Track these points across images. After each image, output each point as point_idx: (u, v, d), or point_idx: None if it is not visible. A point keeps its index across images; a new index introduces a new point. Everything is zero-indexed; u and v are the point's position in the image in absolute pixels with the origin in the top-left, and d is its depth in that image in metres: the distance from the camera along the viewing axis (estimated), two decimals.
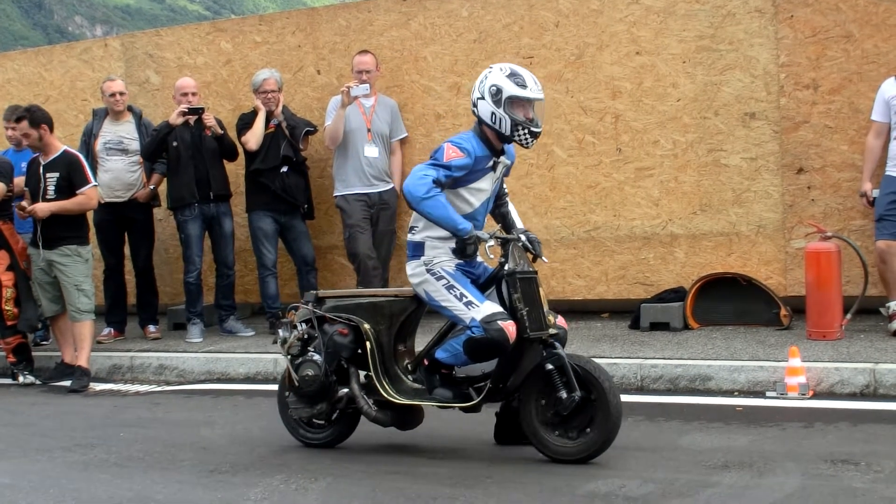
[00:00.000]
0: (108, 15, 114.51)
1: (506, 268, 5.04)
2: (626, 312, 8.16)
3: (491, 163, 5.17)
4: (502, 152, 5.21)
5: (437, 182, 4.97)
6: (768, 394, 6.21)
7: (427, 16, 8.74)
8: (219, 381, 7.77)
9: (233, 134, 8.78)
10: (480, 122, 5.13)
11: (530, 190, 8.38)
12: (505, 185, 5.48)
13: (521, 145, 5.13)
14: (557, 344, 5.01)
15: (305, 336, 5.41)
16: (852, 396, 6.12)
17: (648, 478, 4.69)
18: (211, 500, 4.74)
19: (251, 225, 8.73)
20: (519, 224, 5.46)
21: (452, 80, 8.67)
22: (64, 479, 5.23)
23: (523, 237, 5.22)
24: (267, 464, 5.29)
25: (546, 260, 5.34)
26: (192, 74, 9.45)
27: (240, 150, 8.75)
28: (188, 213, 8.58)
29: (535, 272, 5.14)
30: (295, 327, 5.44)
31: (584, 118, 8.22)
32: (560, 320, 5.22)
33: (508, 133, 5.06)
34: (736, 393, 6.33)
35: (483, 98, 5.08)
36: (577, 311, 8.38)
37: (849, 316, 7.03)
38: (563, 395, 4.90)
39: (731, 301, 7.69)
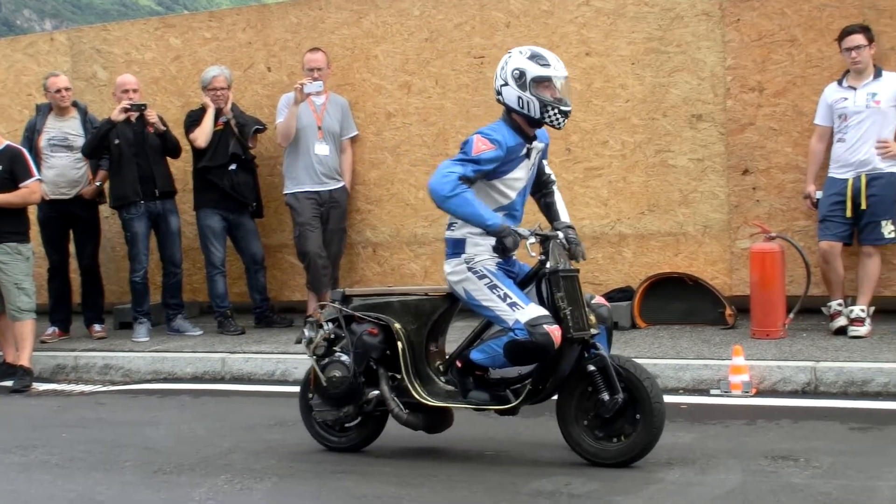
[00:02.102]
0: (57, 9, 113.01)
1: (547, 266, 4.85)
2: None
3: (524, 150, 4.96)
4: (534, 137, 5.00)
5: (463, 178, 4.77)
6: (712, 392, 6.28)
7: (378, 14, 8.73)
8: (165, 380, 7.71)
9: (180, 131, 8.71)
10: (508, 109, 4.93)
11: None
12: (549, 170, 5.31)
13: (553, 126, 4.95)
14: (600, 344, 4.86)
15: (332, 336, 5.20)
16: (794, 394, 6.21)
17: (593, 475, 4.72)
18: (154, 501, 4.70)
19: (199, 223, 8.66)
20: (564, 216, 5.26)
21: (403, 78, 8.67)
22: (3, 480, 5.16)
23: (561, 234, 5.01)
24: (212, 464, 5.25)
25: (583, 259, 5.10)
26: (140, 70, 9.36)
27: (187, 147, 8.69)
28: (133, 211, 8.50)
29: (577, 270, 4.96)
30: (321, 326, 5.23)
31: None
32: (598, 298, 5.11)
33: (538, 116, 4.87)
34: (681, 391, 6.39)
35: (507, 84, 4.89)
36: None
37: (792, 315, 7.14)
38: (606, 396, 4.74)
39: (677, 300, 7.77)
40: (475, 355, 4.96)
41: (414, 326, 5.13)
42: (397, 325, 5.10)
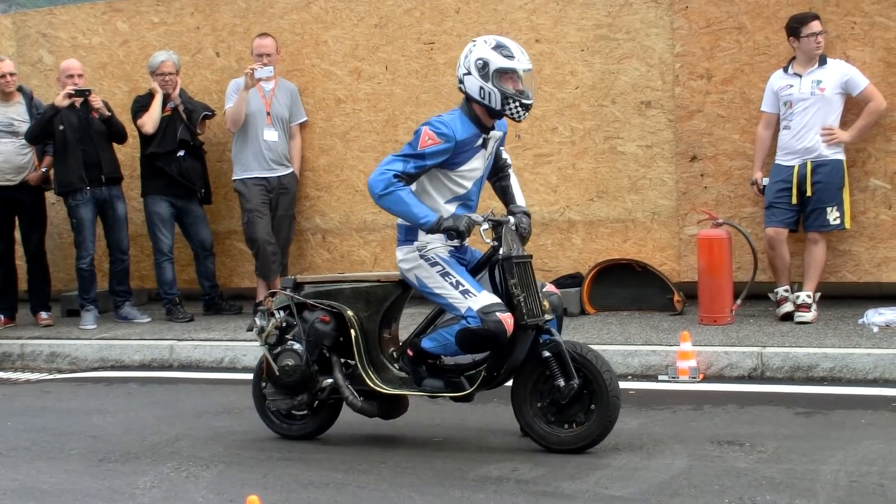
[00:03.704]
0: None
1: (500, 252, 4.82)
2: None
3: (480, 140, 4.90)
4: (492, 128, 4.94)
5: (402, 175, 4.72)
6: (660, 378, 6.34)
7: None
8: (112, 368, 7.62)
9: (128, 116, 8.60)
10: (469, 98, 4.86)
11: None
12: (506, 155, 5.28)
13: (513, 119, 4.89)
14: (554, 330, 4.85)
15: (283, 324, 5.15)
16: (740, 379, 6.28)
17: (540, 461, 4.75)
18: (99, 489, 4.65)
19: (147, 209, 8.57)
20: (519, 200, 5.21)
21: (353, 64, 8.62)
22: None
23: (513, 219, 4.96)
24: (158, 452, 5.21)
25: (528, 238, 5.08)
26: (87, 55, 9.23)
27: (134, 133, 8.58)
28: (79, 198, 8.38)
29: (530, 256, 4.94)
30: (272, 315, 5.17)
31: None
32: (549, 287, 5.12)
33: (499, 108, 4.80)
34: (630, 377, 6.43)
35: (469, 73, 4.83)
36: None
37: (739, 301, 7.21)
38: (561, 382, 4.74)
39: (626, 287, 7.82)
40: (427, 343, 4.93)
41: (366, 313, 5.10)
42: (350, 313, 5.07)
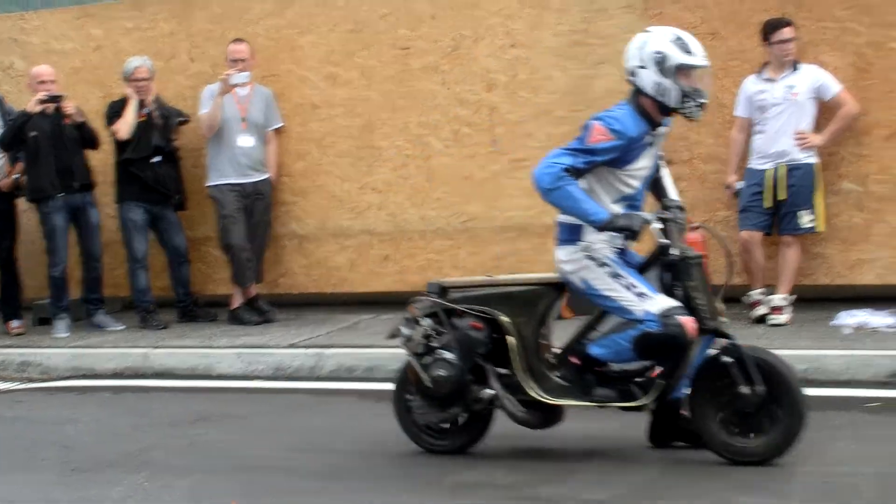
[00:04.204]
0: None
1: (673, 252, 4.53)
2: None
3: (650, 138, 4.66)
4: (660, 124, 4.68)
5: (570, 170, 4.45)
6: None
7: (303, 5, 8.64)
8: (85, 377, 7.54)
9: (102, 122, 8.54)
10: (639, 92, 4.59)
11: (406, 181, 8.36)
12: (660, 150, 4.92)
13: (688, 118, 4.65)
14: (732, 334, 4.58)
15: (432, 332, 4.80)
16: None
17: (516, 466, 4.75)
18: (71, 500, 4.61)
19: (121, 216, 8.51)
20: (672, 193, 4.92)
21: (328, 70, 8.59)
22: None
23: (674, 214, 4.69)
24: (131, 461, 5.16)
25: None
26: (59, 60, 9.15)
27: (108, 139, 8.52)
28: (52, 205, 8.31)
29: (703, 255, 4.66)
30: (417, 322, 4.82)
31: (461, 110, 8.24)
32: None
33: (677, 106, 4.57)
34: None
35: (644, 66, 4.56)
36: None
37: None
38: (746, 390, 4.44)
39: None
40: (596, 350, 4.66)
41: (522, 319, 4.78)
42: (505, 318, 4.75)
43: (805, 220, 7.08)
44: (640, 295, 4.50)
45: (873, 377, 6.05)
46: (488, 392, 4.77)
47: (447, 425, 4.95)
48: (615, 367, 4.74)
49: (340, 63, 8.55)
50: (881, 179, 7.28)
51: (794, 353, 6.19)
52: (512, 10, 8.10)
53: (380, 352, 6.76)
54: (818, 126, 7.18)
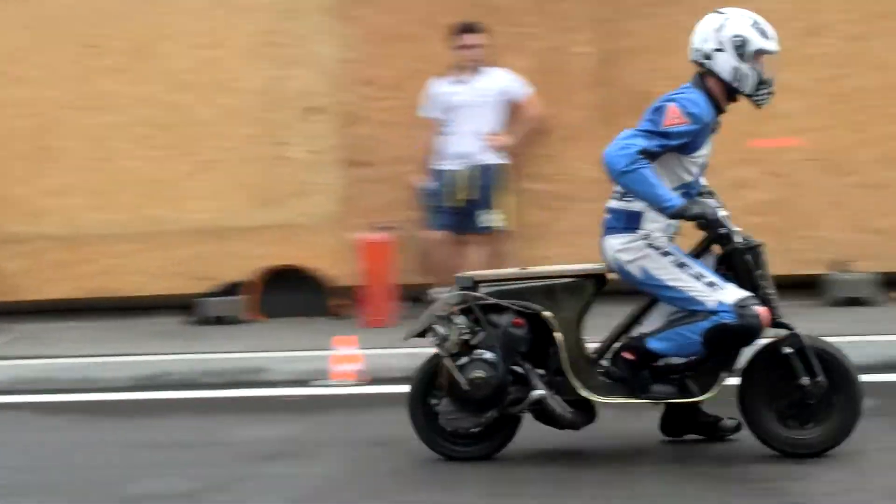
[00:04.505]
0: None
1: (738, 240, 4.37)
2: (186, 307, 7.93)
3: (714, 124, 4.46)
4: (724, 110, 4.50)
5: (644, 152, 4.21)
6: (318, 383, 6.26)
7: None
8: None
9: None
10: (711, 76, 4.39)
11: (86, 183, 7.94)
12: None
13: (758, 105, 4.45)
14: (791, 324, 4.39)
15: (467, 330, 4.41)
16: (403, 381, 6.28)
17: (194, 474, 4.57)
18: None
19: None
20: (703, 180, 4.66)
21: (5, 67, 7.98)
22: None
23: (717, 200, 4.63)
24: None
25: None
26: None
27: None
28: None
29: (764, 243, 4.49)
30: (450, 321, 4.41)
31: (148, 110, 7.91)
32: None
33: (751, 92, 4.39)
34: (290, 383, 6.32)
35: (723, 49, 4.35)
36: (133, 307, 8.01)
37: (401, 304, 7.30)
38: (807, 381, 4.30)
39: (291, 292, 7.76)
40: (656, 344, 4.37)
41: (565, 314, 4.46)
42: (548, 314, 4.44)
43: (490, 219, 7.26)
44: (711, 285, 4.30)
45: None
46: (537, 393, 4.41)
47: (482, 430, 4.54)
48: (660, 361, 4.47)
49: (20, 60, 8.00)
50: (562, 179, 7.63)
51: None
52: (203, 8, 7.89)
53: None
54: (506, 127, 7.38)
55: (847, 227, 7.62)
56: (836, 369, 4.38)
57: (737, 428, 4.60)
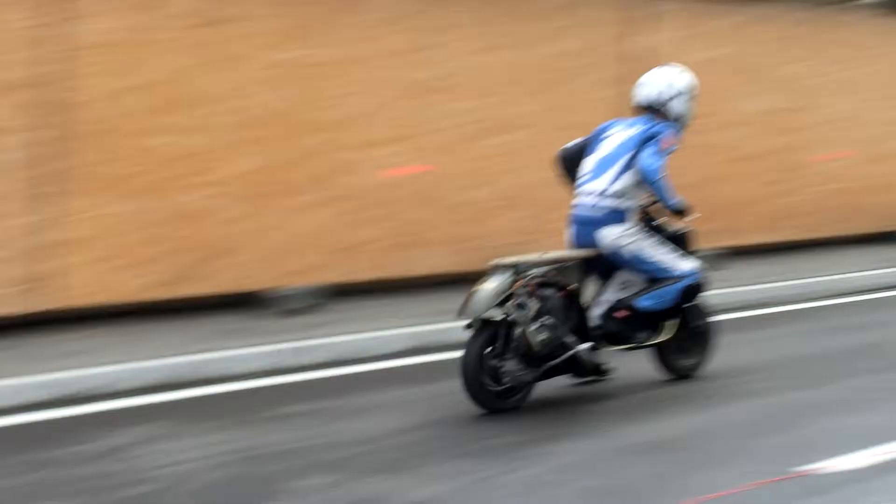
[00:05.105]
0: None
1: (682, 227, 6.23)
2: None
3: None
4: None
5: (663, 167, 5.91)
6: None
7: None
8: None
9: None
10: (662, 115, 6.13)
11: None
12: None
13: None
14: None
15: (530, 303, 5.60)
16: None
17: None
18: None
19: None
20: None
21: None
22: None
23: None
24: None
25: None
26: None
27: None
28: None
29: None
30: (523, 297, 5.58)
31: None
32: None
33: (685, 126, 6.26)
34: None
35: (682, 94, 6.19)
36: None
37: None
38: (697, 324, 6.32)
39: None
40: (644, 303, 5.98)
41: (579, 286, 6.00)
42: (574, 286, 5.94)
43: None
44: (682, 256, 6.11)
45: None
46: (585, 345, 5.86)
47: (533, 381, 5.72)
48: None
49: None
50: None
51: None
52: None
53: None
54: None
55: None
56: (703, 318, 6.40)
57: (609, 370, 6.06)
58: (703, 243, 9.11)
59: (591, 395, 6.00)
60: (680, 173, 8.90)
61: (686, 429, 5.49)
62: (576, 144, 6.30)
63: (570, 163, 6.28)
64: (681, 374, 6.30)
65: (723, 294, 8.19)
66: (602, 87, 9.37)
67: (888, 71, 11.47)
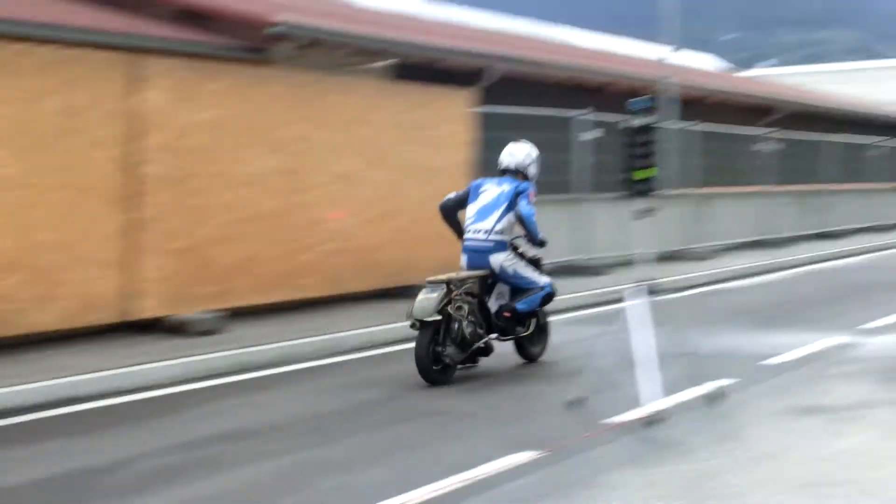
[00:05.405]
0: None
1: (535, 254, 8.75)
2: None
3: None
4: None
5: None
6: None
7: None
8: None
9: None
10: (524, 177, 8.67)
11: None
12: None
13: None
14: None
15: (463, 305, 8.22)
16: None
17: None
18: None
19: None
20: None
21: None
22: None
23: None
24: None
25: None
26: None
27: None
28: None
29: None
30: (461, 300, 8.19)
31: None
32: None
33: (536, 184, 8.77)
34: None
35: (535, 161, 8.78)
36: None
37: None
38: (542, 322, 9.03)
39: None
40: (521, 306, 8.49)
41: (482, 296, 8.49)
42: (480, 294, 8.47)
43: None
44: (540, 274, 8.70)
45: None
46: (490, 337, 8.50)
47: (463, 360, 8.28)
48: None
49: None
50: None
51: None
52: None
53: None
54: None
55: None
56: (542, 317, 8.98)
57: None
58: (201, 306, 9.34)
59: None
60: (172, 238, 9.19)
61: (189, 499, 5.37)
62: (452, 199, 8.82)
63: (450, 211, 8.85)
64: (532, 359, 8.89)
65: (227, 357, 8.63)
66: (105, 146, 9.16)
67: (388, 134, 12.06)
